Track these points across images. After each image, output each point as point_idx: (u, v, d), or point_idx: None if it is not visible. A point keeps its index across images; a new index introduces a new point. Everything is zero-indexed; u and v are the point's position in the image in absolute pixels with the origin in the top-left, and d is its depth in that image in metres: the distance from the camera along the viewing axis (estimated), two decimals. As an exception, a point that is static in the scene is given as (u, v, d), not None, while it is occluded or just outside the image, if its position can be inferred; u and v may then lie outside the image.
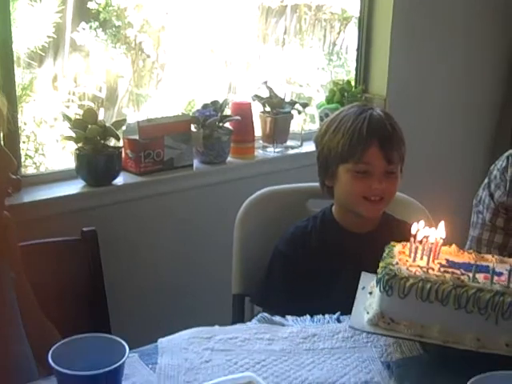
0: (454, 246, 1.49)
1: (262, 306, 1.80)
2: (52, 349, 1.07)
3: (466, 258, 1.45)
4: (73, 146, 2.19)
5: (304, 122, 2.80)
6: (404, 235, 1.50)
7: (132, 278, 2.25)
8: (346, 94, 2.85)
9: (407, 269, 1.33)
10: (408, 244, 1.43)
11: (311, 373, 1.27)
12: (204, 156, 2.42)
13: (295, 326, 1.44)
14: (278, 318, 1.48)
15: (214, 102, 2.46)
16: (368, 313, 1.35)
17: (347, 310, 1.47)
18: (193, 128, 2.38)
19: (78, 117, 2.20)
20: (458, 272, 1.34)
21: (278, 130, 2.60)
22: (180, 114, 2.43)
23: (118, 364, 1.05)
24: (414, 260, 1.38)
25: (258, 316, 1.49)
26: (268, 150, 2.62)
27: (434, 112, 3.16)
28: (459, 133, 3.32)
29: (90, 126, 2.11)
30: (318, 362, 1.31)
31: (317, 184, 1.97)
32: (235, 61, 2.96)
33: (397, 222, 1.83)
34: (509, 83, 3.42)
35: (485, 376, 1.12)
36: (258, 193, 2.01)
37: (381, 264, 1.37)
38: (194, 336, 1.39)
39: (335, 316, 1.49)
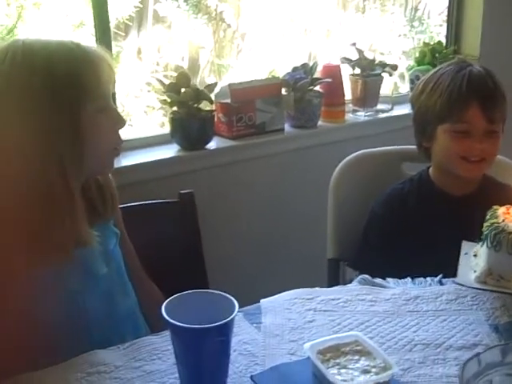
0: None
1: (359, 269, 1.79)
2: (165, 303, 1.10)
3: None
4: (159, 117, 2.21)
5: (394, 86, 2.74)
6: (507, 198, 1.47)
7: (227, 242, 2.29)
8: (437, 54, 2.78)
9: None
10: None
11: (416, 334, 1.26)
12: (295, 120, 2.41)
13: (397, 288, 1.43)
14: (378, 280, 1.47)
15: (304, 65, 2.44)
16: (475, 271, 1.32)
17: (445, 272, 1.45)
18: (283, 92, 2.38)
19: (171, 81, 2.22)
20: None
21: (369, 93, 2.56)
22: (270, 77, 2.42)
23: (229, 318, 1.06)
24: None
25: (359, 278, 1.48)
26: (358, 113, 2.59)
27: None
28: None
29: (183, 90, 2.13)
30: (422, 323, 1.30)
31: (411, 147, 1.94)
32: (315, 29, 2.92)
33: (499, 185, 1.78)
34: None
35: None
36: (352, 155, 1.99)
37: (485, 224, 1.34)
38: (295, 297, 1.40)
39: (437, 278, 1.47)
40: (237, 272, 2.26)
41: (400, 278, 1.49)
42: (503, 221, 1.32)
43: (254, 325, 1.31)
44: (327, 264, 1.91)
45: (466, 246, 1.49)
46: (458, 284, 1.34)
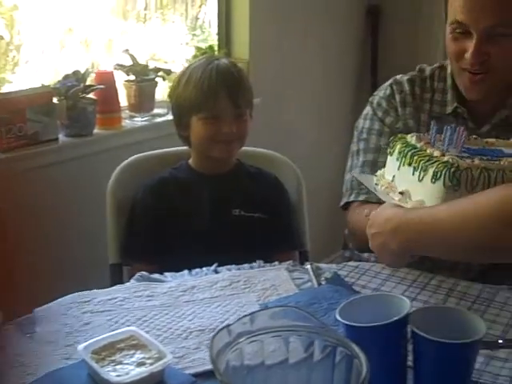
0: None
1: (130, 257, 1.87)
2: None
3: (474, 144, 1.45)
4: None
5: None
6: (259, 180, 1.94)
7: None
8: (210, 58, 2.86)
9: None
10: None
11: (192, 322, 1.29)
12: (69, 129, 2.35)
13: (174, 281, 1.45)
14: (156, 276, 1.49)
15: (76, 72, 2.40)
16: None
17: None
18: (55, 100, 2.32)
19: None
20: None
21: (144, 98, 2.58)
22: (40, 85, 2.34)
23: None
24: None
25: (136, 275, 1.49)
26: (135, 119, 2.60)
27: (296, 75, 3.25)
28: (321, 93, 3.44)
29: None
30: (198, 311, 1.33)
31: (185, 148, 1.99)
32: (96, 39, 2.89)
33: (250, 167, 1.99)
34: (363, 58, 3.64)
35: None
36: (127, 160, 2.01)
37: (417, 157, 1.36)
38: (72, 301, 1.37)
39: (212, 267, 1.51)
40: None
41: (178, 271, 1.52)
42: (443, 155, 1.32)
43: (28, 335, 1.26)
44: (109, 269, 1.89)
45: (363, 179, 1.60)
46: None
